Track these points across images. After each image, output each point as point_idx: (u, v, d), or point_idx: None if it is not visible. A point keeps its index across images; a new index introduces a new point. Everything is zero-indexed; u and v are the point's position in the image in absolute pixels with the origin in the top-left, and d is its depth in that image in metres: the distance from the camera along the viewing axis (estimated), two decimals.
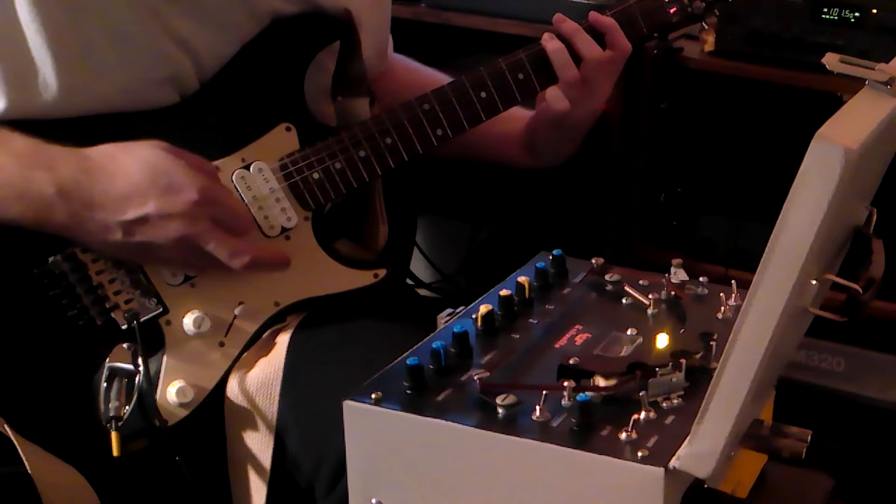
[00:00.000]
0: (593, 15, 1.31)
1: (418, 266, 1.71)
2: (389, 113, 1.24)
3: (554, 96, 1.30)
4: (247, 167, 1.17)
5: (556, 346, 0.92)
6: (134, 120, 1.15)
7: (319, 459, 1.08)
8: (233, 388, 1.13)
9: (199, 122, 1.17)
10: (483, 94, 1.28)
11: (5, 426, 1.07)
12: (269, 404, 1.12)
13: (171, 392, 1.12)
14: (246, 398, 1.13)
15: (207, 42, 1.17)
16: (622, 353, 0.91)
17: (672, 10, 1.39)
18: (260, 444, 1.13)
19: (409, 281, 1.52)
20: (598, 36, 1.30)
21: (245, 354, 1.15)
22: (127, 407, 1.10)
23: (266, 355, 1.15)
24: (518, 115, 1.38)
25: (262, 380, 1.13)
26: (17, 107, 1.11)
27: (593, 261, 1.06)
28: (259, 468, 1.13)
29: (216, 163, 1.16)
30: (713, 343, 0.87)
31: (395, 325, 1.16)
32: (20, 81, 1.11)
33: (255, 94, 1.20)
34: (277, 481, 1.12)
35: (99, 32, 1.12)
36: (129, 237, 1.08)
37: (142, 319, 1.12)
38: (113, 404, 1.10)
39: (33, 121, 1.11)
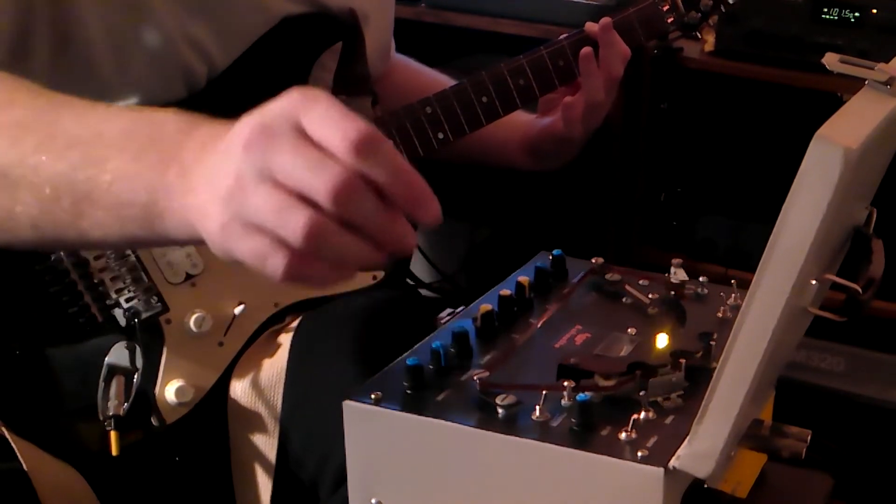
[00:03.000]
0: (591, 26, 1.33)
1: (418, 266, 1.72)
2: (391, 115, 1.24)
3: (568, 120, 1.32)
4: None
5: (556, 346, 0.92)
6: None
7: (324, 459, 1.08)
8: (236, 390, 1.14)
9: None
10: (484, 99, 1.28)
11: (2, 428, 1.07)
12: (273, 405, 1.12)
13: (170, 391, 1.12)
14: (249, 399, 1.13)
15: (222, 45, 1.17)
16: (622, 353, 0.91)
17: (669, 20, 1.41)
18: (264, 444, 1.13)
19: (409, 281, 1.52)
20: (594, 44, 1.31)
21: (247, 355, 1.16)
22: (125, 405, 1.10)
23: (268, 356, 1.15)
24: (519, 119, 1.39)
25: (264, 380, 1.13)
26: None
27: (593, 261, 1.06)
28: (263, 469, 1.13)
29: None
30: (713, 343, 0.87)
31: (396, 325, 1.16)
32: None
33: (261, 93, 1.19)
34: (282, 481, 1.12)
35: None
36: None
37: (142, 317, 1.12)
38: (112, 402, 1.10)
39: None
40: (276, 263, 0.70)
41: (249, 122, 0.72)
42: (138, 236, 0.81)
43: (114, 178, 0.79)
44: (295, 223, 0.68)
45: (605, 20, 1.33)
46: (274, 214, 0.69)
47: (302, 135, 0.70)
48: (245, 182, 0.70)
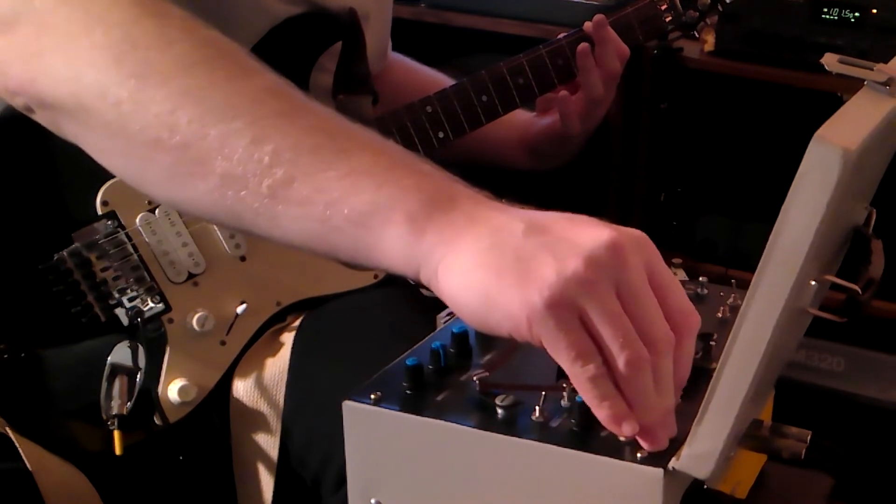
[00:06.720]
0: (588, 25, 1.33)
1: None
2: (392, 115, 1.25)
3: (567, 116, 1.32)
4: None
5: None
6: None
7: (326, 458, 1.08)
8: (238, 389, 1.14)
9: None
10: (484, 98, 1.29)
11: (7, 428, 1.07)
12: (275, 403, 1.13)
13: (173, 390, 1.13)
14: (251, 398, 1.13)
15: None
16: None
17: (668, 19, 1.41)
18: (267, 443, 1.13)
19: (410, 280, 1.52)
20: (592, 43, 1.32)
21: (249, 354, 1.16)
22: (128, 404, 1.11)
23: (270, 355, 1.15)
24: (519, 118, 1.39)
25: (267, 379, 1.14)
26: None
27: None
28: (266, 468, 1.13)
29: None
30: (713, 343, 0.87)
31: (397, 325, 1.17)
32: None
33: None
34: (284, 480, 1.13)
35: None
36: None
37: (145, 317, 1.12)
38: (115, 402, 1.11)
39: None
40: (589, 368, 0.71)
41: (612, 228, 0.71)
42: (338, 246, 0.76)
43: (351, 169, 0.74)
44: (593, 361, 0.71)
45: (599, 17, 1.33)
46: (614, 332, 0.69)
47: (648, 277, 0.70)
48: (598, 278, 0.69)
